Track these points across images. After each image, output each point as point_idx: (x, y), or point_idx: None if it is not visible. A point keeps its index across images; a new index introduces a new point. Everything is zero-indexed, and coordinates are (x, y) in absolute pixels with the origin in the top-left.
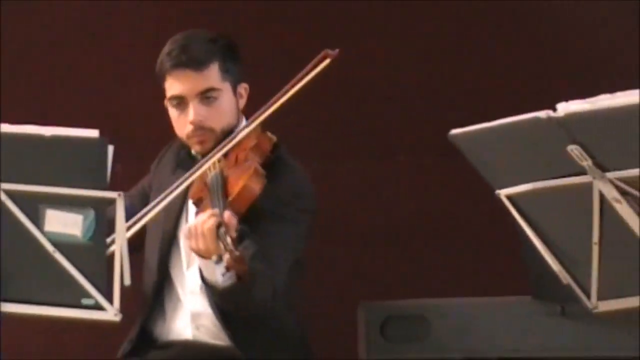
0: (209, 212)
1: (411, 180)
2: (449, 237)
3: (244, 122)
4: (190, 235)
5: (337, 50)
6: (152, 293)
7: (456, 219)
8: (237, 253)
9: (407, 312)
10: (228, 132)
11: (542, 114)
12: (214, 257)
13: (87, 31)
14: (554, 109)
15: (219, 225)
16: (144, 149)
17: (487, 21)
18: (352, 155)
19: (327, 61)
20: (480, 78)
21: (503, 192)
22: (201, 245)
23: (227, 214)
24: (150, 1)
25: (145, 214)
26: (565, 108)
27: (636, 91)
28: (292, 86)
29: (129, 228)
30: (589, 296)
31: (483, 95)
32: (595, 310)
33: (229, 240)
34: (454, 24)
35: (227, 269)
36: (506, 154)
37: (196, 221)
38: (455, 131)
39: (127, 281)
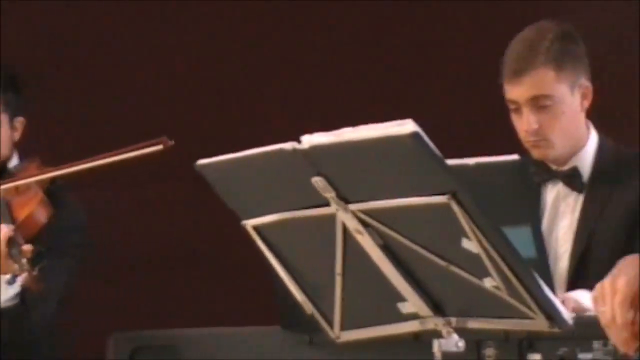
0: None
1: (164, 209)
2: (199, 266)
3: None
4: None
5: (172, 142)
6: None
7: (207, 248)
8: (34, 273)
9: (157, 342)
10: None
11: (288, 145)
12: (8, 277)
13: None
14: (299, 141)
15: (10, 244)
16: None
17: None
18: (109, 183)
19: (159, 147)
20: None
21: (249, 223)
22: None
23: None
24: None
25: None
26: (309, 140)
27: (378, 125)
28: (111, 156)
29: None
30: (332, 326)
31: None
32: (338, 340)
33: (24, 261)
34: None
35: (24, 288)
36: (253, 185)
37: None
38: (202, 161)
39: None
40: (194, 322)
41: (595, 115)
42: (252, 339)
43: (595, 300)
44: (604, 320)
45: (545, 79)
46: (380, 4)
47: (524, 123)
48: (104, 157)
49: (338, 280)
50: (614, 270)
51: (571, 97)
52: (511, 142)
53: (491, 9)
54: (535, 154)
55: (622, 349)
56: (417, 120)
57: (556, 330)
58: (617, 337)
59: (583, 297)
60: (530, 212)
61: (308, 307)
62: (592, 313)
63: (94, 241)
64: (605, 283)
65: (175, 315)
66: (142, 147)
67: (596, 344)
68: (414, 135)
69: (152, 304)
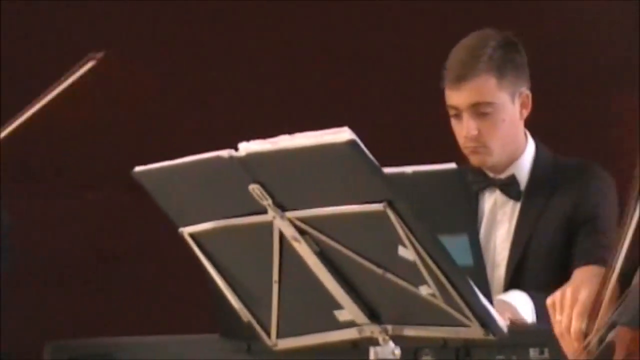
0: None
1: (97, 217)
2: (137, 274)
3: None
4: None
5: (102, 53)
6: None
7: (144, 257)
8: None
9: (93, 350)
10: None
11: (225, 153)
12: None
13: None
14: (236, 149)
15: None
16: None
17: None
18: (44, 192)
19: (92, 64)
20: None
21: (186, 230)
22: None
23: None
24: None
25: None
26: (246, 147)
27: (315, 133)
28: (54, 89)
29: None
30: (269, 334)
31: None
32: (275, 348)
33: None
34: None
35: None
36: (190, 192)
37: None
38: (139, 168)
39: None
40: (131, 330)
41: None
42: (190, 347)
43: (552, 306)
44: (559, 328)
45: (486, 86)
46: (315, 10)
47: (464, 129)
48: (45, 96)
49: (275, 287)
50: (575, 280)
51: (511, 105)
52: (449, 150)
53: (432, 13)
54: (474, 160)
55: (571, 358)
56: (354, 128)
57: (491, 338)
58: (569, 347)
59: (517, 300)
60: (468, 220)
61: (245, 314)
62: (528, 321)
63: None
64: (566, 292)
65: (112, 324)
66: (76, 70)
67: (532, 352)
68: (351, 143)
69: (88, 312)
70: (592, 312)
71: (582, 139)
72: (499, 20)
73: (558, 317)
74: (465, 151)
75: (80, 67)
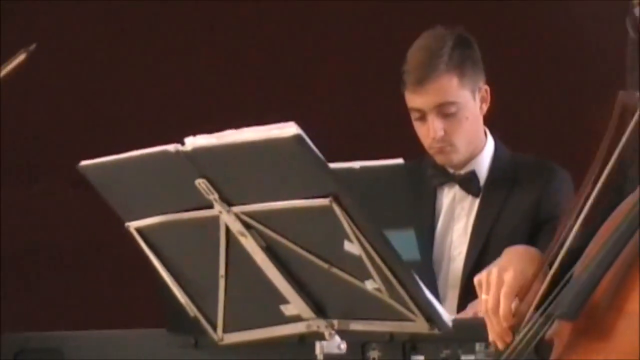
0: None
1: (45, 210)
2: (84, 268)
3: None
4: None
5: (34, 46)
6: None
7: (92, 251)
8: None
9: (41, 344)
10: None
11: (171, 147)
12: None
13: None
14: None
15: None
16: None
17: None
18: None
19: (23, 57)
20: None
21: (133, 225)
22: None
23: None
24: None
25: None
26: (192, 142)
27: (261, 128)
28: None
29: None
30: (215, 328)
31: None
32: (221, 343)
33: None
34: None
35: None
36: (136, 186)
37: None
38: (85, 162)
39: None
40: (79, 324)
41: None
42: (138, 341)
43: (479, 285)
44: (486, 307)
45: (449, 86)
46: (263, 3)
47: (430, 130)
48: None
49: (221, 282)
50: (502, 260)
51: (473, 101)
52: (400, 144)
53: (380, 10)
54: (440, 159)
55: (496, 340)
56: (301, 123)
57: (436, 332)
58: (496, 327)
59: None
60: (418, 215)
61: (191, 309)
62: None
63: None
64: (493, 272)
65: (60, 317)
66: (8, 64)
67: (478, 346)
68: (297, 138)
69: (36, 306)
70: (520, 294)
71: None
72: (455, 19)
73: (484, 296)
74: (431, 152)
75: (13, 60)
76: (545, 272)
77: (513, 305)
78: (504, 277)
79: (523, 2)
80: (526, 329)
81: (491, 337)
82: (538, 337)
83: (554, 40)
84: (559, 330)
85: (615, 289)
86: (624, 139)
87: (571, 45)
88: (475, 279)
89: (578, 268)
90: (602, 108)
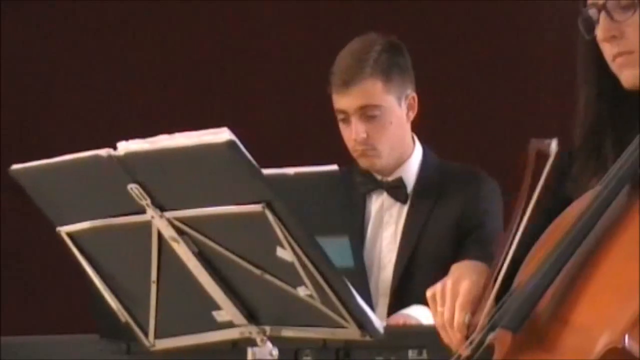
0: None
1: None
2: (15, 274)
3: None
4: None
5: None
6: None
7: (24, 256)
8: None
9: None
10: None
11: (103, 152)
12: None
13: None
14: (115, 148)
15: None
16: None
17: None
18: None
19: None
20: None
21: (64, 230)
22: None
23: None
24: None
25: None
26: (125, 147)
27: (194, 133)
28: None
29: None
30: (147, 334)
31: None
32: (153, 349)
33: None
34: None
35: None
36: (67, 191)
37: None
38: (15, 167)
39: None
40: (9, 330)
41: None
42: (70, 347)
43: (433, 299)
44: (441, 320)
45: (373, 89)
46: (194, 6)
47: (353, 132)
48: None
49: (153, 288)
50: (454, 273)
51: (398, 107)
52: (334, 151)
53: (315, 13)
54: (363, 163)
55: (455, 348)
56: (234, 129)
57: (368, 338)
58: (452, 338)
59: (417, 312)
60: (352, 222)
61: (123, 315)
62: (424, 324)
63: None
64: (447, 284)
65: None
66: None
67: (411, 353)
68: (230, 143)
69: None
70: (474, 305)
71: None
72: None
73: (439, 309)
74: (354, 154)
75: None
76: (493, 284)
77: (467, 318)
78: (459, 288)
79: (457, 5)
80: (478, 338)
81: (452, 347)
82: (484, 345)
83: (490, 45)
84: (500, 338)
85: (558, 300)
86: (541, 182)
87: (507, 53)
88: (428, 293)
89: (519, 277)
90: (531, 114)
